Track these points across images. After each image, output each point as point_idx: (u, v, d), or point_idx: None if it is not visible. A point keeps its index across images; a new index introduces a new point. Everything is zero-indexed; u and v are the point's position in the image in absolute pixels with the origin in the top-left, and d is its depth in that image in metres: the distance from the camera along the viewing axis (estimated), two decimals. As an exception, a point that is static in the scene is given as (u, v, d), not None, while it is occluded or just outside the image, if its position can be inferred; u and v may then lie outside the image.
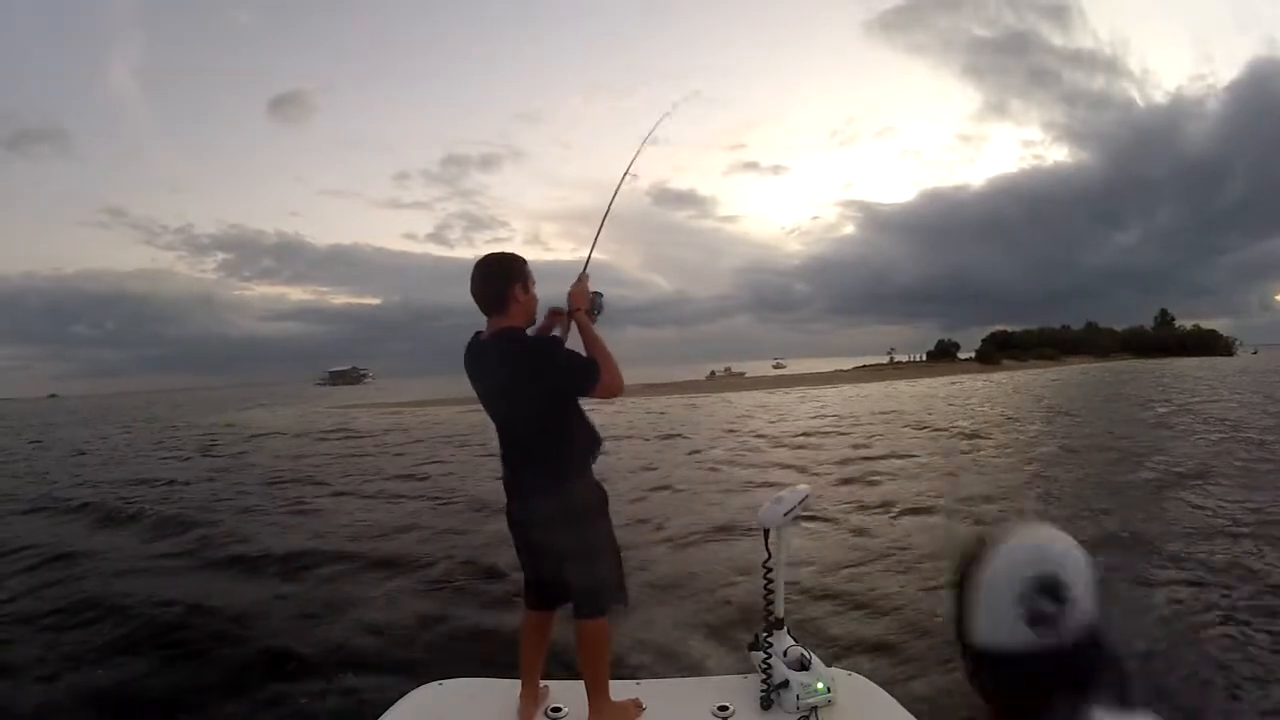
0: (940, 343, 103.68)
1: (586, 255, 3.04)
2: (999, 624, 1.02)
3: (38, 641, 5.45)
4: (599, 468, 2.84)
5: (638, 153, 3.27)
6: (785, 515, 2.82)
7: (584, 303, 2.88)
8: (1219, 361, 71.50)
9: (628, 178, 3.28)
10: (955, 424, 20.31)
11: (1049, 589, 1.00)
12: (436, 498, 11.05)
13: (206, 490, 12.86)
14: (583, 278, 2.94)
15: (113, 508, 11.38)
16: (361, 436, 24.18)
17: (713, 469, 13.12)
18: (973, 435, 17.35)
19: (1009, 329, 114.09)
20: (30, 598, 6.61)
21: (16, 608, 6.33)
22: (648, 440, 18.51)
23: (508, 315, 2.69)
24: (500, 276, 2.71)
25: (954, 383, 46.11)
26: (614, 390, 2.71)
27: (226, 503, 11.60)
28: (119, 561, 7.90)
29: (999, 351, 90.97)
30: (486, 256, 2.75)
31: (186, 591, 6.55)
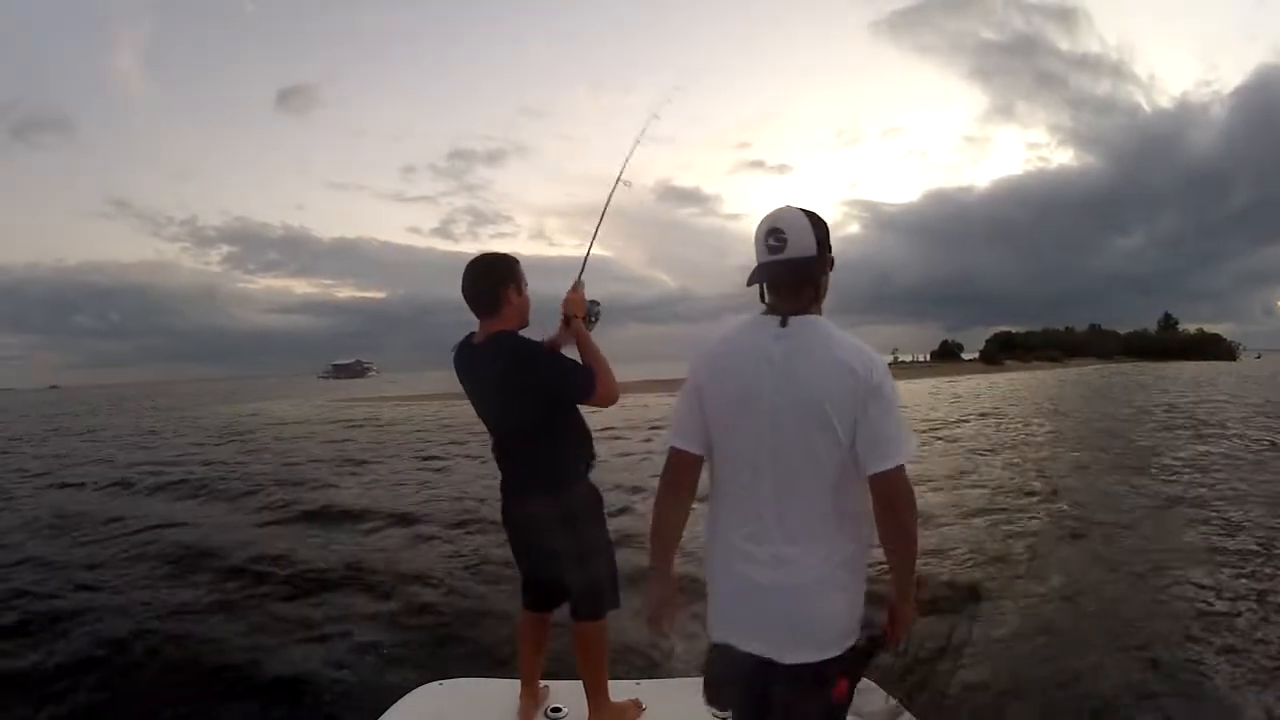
0: (944, 343, 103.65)
1: (582, 263, 2.99)
2: (759, 250, 1.88)
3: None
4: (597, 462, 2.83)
5: (628, 157, 3.16)
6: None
7: (580, 310, 2.83)
8: (1223, 366, 71.17)
9: (621, 184, 3.19)
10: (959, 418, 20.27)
11: (773, 233, 1.85)
12: (440, 496, 11.00)
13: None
14: (578, 285, 2.89)
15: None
16: (366, 427, 24.25)
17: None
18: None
19: (1012, 330, 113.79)
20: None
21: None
22: (650, 437, 18.50)
23: (500, 317, 2.66)
24: (493, 278, 2.67)
25: (954, 382, 46.01)
26: (608, 399, 2.68)
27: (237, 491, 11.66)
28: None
29: (1002, 352, 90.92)
30: (478, 257, 2.72)
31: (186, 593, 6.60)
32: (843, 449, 1.76)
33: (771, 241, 1.84)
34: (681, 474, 1.98)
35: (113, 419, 36.88)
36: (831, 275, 1.94)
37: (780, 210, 1.88)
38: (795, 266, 1.84)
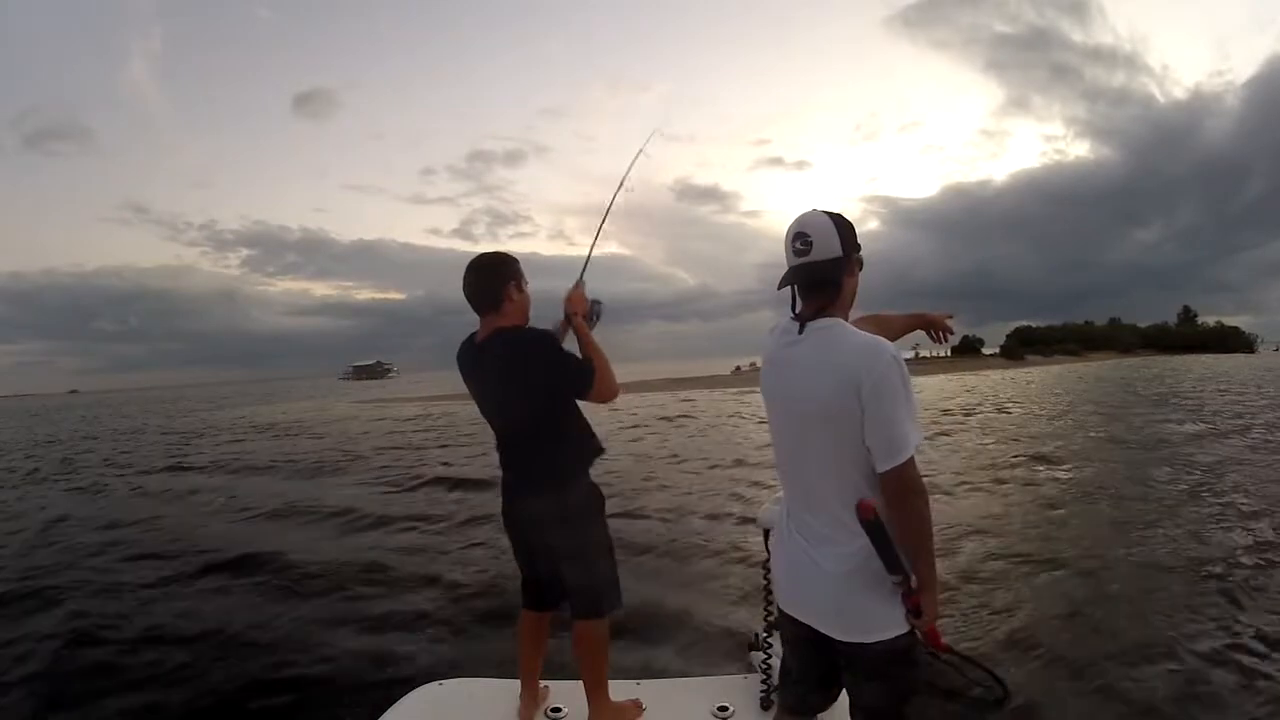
0: (965, 338, 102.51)
1: (584, 262, 3.03)
2: (787, 254, 1.98)
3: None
4: (597, 466, 2.84)
5: (624, 179, 3.26)
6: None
7: (581, 308, 2.87)
8: (1242, 359, 70.31)
9: (624, 190, 3.28)
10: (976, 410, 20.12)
11: (799, 237, 1.94)
12: (442, 497, 11.01)
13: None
14: (579, 284, 2.94)
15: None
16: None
17: (724, 465, 13.01)
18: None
19: (1032, 324, 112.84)
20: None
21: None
22: (668, 433, 18.56)
23: (502, 314, 2.69)
24: (494, 276, 2.70)
25: (982, 377, 45.69)
26: (608, 395, 2.72)
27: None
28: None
29: (1023, 347, 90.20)
30: (479, 256, 2.75)
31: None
32: (853, 448, 1.86)
33: (798, 245, 1.95)
34: None
35: (170, 421, 36.92)
36: (860, 275, 2.05)
37: (806, 215, 1.99)
38: (821, 269, 1.95)
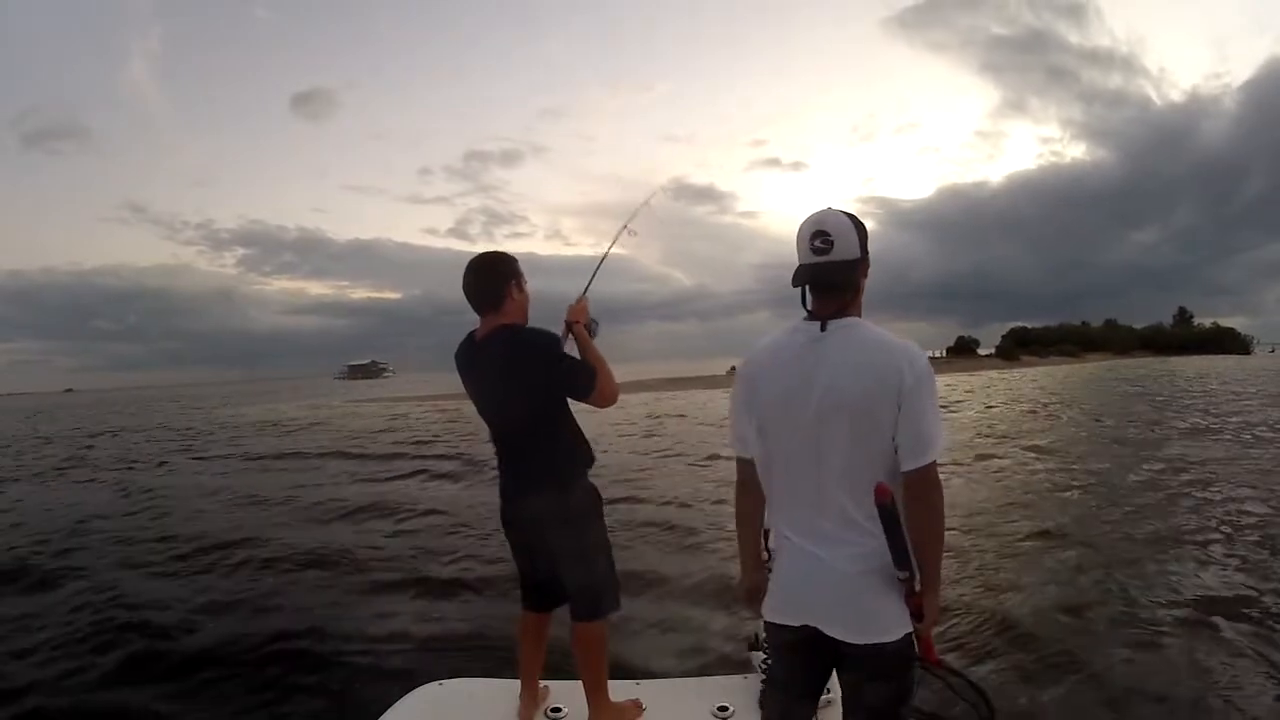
0: (960, 339, 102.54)
1: (589, 278, 3.07)
2: (802, 251, 1.94)
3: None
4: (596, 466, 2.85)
5: (622, 229, 3.29)
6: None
7: (583, 317, 2.90)
8: (1236, 360, 70.48)
9: (626, 232, 3.31)
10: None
11: (819, 235, 1.91)
12: (445, 495, 11.05)
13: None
14: (583, 299, 2.97)
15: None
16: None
17: (722, 463, 13.00)
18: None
19: (1028, 325, 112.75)
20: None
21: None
22: (665, 432, 18.56)
23: (502, 313, 2.71)
24: (495, 275, 2.73)
25: (974, 376, 45.74)
26: (609, 398, 2.76)
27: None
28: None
29: (1019, 348, 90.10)
30: (479, 255, 2.77)
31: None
32: (882, 446, 1.85)
33: (817, 243, 1.92)
34: (749, 477, 2.15)
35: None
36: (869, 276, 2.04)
37: (824, 213, 1.96)
38: (839, 269, 1.93)
